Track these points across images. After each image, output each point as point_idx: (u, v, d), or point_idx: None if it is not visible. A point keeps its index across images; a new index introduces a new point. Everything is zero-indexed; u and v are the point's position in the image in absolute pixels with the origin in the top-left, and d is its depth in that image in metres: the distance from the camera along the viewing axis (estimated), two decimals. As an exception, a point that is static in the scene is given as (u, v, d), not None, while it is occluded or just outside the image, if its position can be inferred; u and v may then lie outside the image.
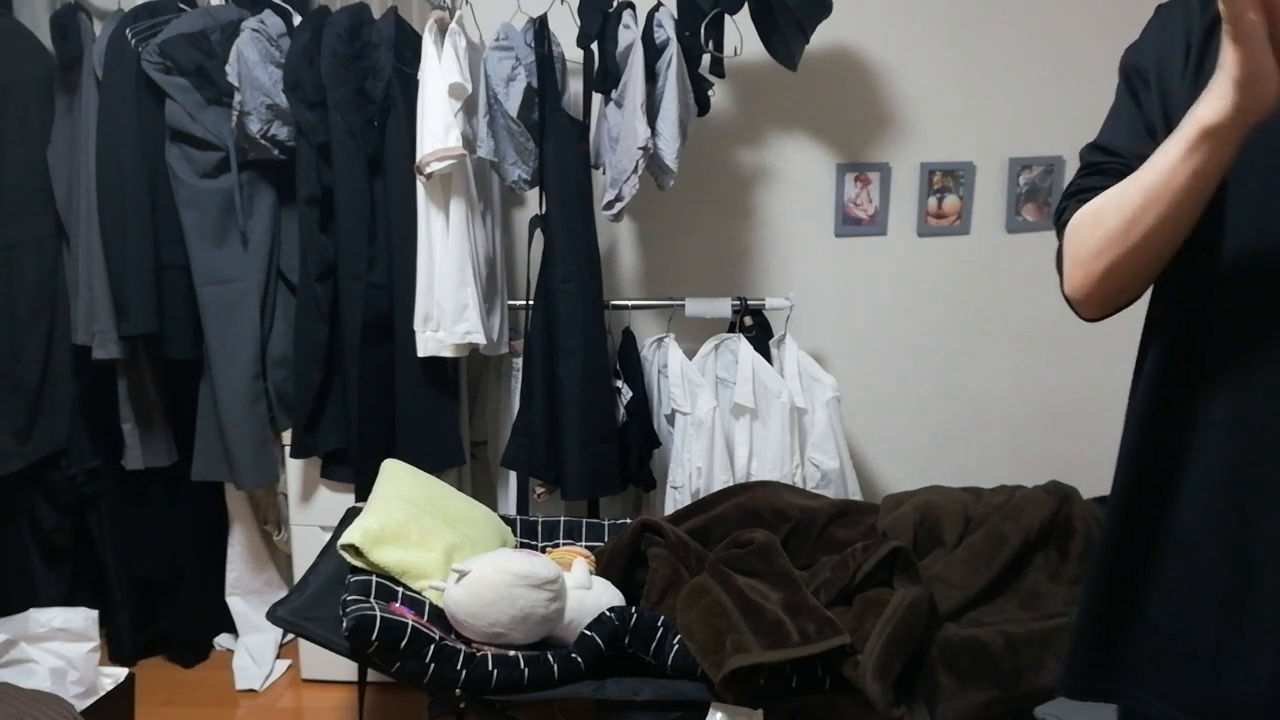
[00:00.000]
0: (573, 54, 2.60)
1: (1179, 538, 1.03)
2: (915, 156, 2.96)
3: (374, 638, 1.83)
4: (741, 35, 2.64)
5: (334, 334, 2.61)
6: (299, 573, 2.65)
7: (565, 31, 2.57)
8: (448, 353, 2.54)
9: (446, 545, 2.19)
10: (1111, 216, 0.99)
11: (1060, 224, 1.11)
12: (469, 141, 2.51)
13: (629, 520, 2.49)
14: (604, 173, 2.56)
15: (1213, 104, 0.88)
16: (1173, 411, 1.03)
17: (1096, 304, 1.06)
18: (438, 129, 2.40)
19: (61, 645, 2.19)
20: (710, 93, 2.64)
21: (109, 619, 2.85)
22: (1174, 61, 1.03)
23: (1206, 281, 0.99)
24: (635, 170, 2.44)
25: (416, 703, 2.53)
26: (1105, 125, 1.12)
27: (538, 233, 2.63)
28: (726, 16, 2.56)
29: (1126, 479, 1.08)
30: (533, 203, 2.70)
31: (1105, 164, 1.08)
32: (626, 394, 2.74)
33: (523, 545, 2.51)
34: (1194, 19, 1.03)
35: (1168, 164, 0.93)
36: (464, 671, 1.86)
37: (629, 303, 2.88)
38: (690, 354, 2.78)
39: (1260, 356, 0.96)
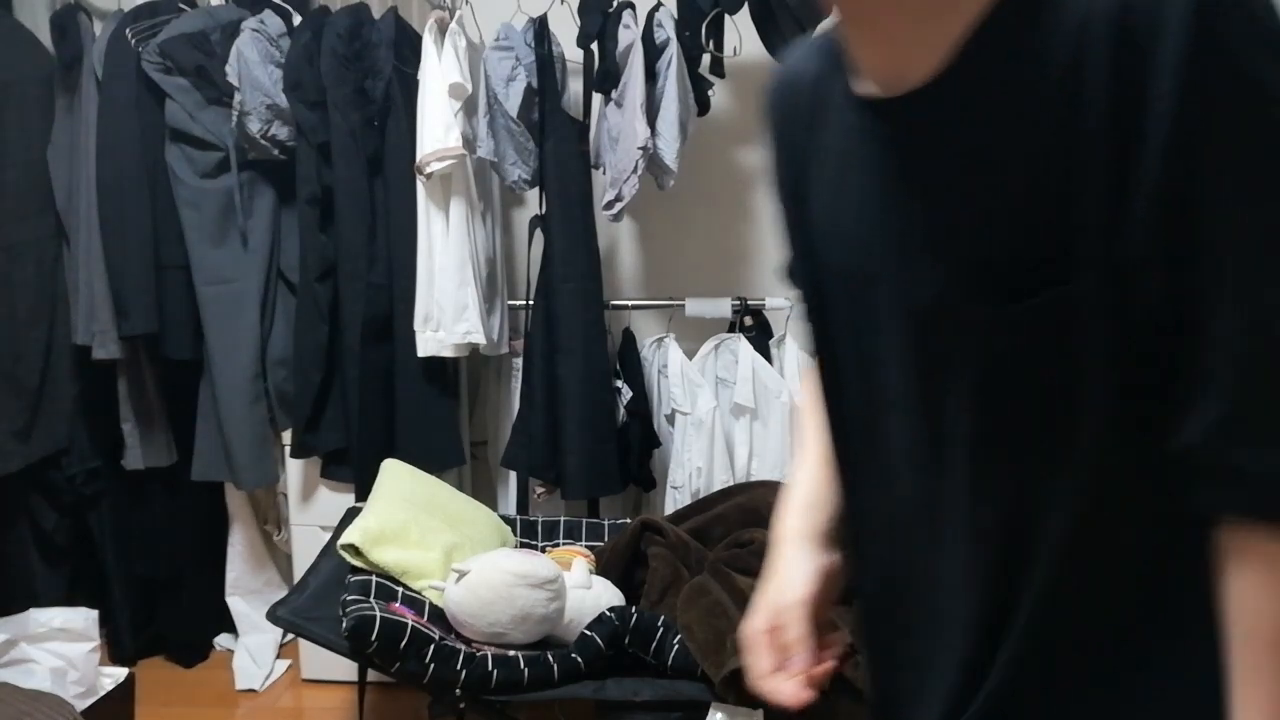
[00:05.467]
0: (573, 54, 2.60)
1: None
2: (915, 156, 2.95)
3: (374, 638, 1.83)
4: (741, 35, 2.63)
5: (334, 334, 2.61)
6: (299, 573, 2.65)
7: (565, 31, 2.56)
8: (448, 353, 2.54)
9: (446, 545, 2.19)
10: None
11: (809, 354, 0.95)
12: (469, 141, 2.51)
13: (629, 520, 2.49)
14: (604, 173, 2.56)
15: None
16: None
17: None
18: (437, 129, 2.40)
19: (61, 645, 2.18)
20: (710, 93, 2.64)
21: (109, 619, 2.84)
22: (786, 180, 0.89)
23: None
24: (635, 170, 2.44)
25: (416, 703, 2.52)
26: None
27: (538, 233, 2.63)
28: (726, 16, 2.56)
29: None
30: (533, 203, 2.70)
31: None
32: (626, 394, 2.73)
33: (523, 545, 2.51)
34: (797, 135, 0.86)
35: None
36: (464, 671, 1.86)
37: (629, 303, 2.87)
38: (690, 354, 2.77)
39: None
